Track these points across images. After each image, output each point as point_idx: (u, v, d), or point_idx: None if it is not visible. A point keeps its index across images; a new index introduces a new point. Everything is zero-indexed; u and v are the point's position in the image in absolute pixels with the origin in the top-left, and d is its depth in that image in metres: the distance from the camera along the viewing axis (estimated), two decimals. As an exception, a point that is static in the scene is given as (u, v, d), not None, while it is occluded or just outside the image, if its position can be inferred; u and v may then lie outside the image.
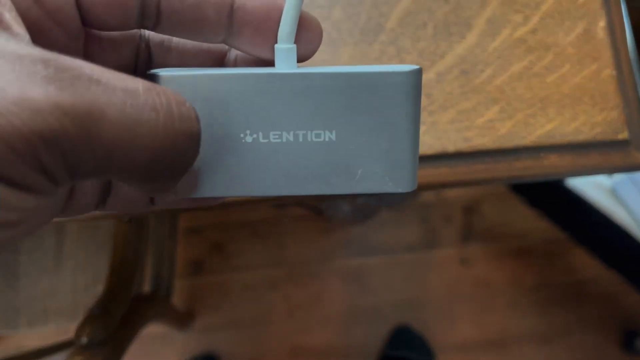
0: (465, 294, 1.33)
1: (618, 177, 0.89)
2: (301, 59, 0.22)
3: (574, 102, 0.38)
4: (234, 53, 0.23)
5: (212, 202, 0.24)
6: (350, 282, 1.31)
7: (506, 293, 1.34)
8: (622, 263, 1.08)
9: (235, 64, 0.23)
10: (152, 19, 0.19)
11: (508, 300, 1.34)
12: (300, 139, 0.21)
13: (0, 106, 0.12)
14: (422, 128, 0.37)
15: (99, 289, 0.74)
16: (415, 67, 0.21)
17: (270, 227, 1.33)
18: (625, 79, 0.39)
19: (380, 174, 0.22)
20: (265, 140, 0.21)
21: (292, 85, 0.20)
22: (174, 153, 0.15)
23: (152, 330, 1.04)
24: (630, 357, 1.30)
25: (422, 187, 0.38)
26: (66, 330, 0.74)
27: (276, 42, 0.21)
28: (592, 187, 0.94)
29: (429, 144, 0.37)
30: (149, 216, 0.84)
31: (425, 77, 0.38)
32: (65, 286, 0.76)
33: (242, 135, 0.21)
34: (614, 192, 0.90)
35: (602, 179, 0.94)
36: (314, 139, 0.21)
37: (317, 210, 1.30)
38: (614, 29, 0.40)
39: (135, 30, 0.22)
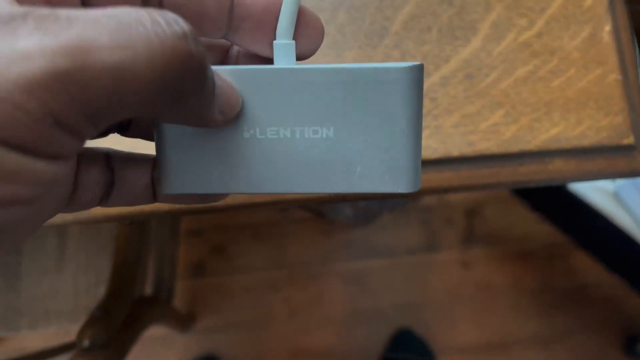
0: (466, 297, 1.33)
1: (621, 181, 0.89)
2: (303, 56, 0.22)
3: (579, 107, 0.38)
4: (236, 49, 0.23)
5: (211, 200, 0.24)
6: (351, 284, 1.31)
7: (508, 296, 1.34)
8: (624, 267, 1.08)
9: (238, 60, 0.23)
10: None
11: (509, 303, 1.34)
12: (298, 135, 0.21)
13: None
14: (426, 132, 0.37)
15: (101, 290, 0.74)
16: (416, 63, 0.20)
17: (272, 229, 1.33)
18: (631, 83, 0.39)
19: (379, 172, 0.21)
20: (262, 136, 0.21)
21: (289, 81, 0.20)
22: (178, 59, 0.14)
23: (154, 332, 1.04)
24: (632, 361, 1.29)
25: (425, 192, 0.37)
26: (67, 331, 0.74)
27: (275, 39, 0.21)
28: (595, 191, 0.93)
29: (433, 147, 0.37)
30: (150, 218, 0.84)
31: (429, 80, 0.38)
32: (66, 287, 0.76)
33: (239, 131, 0.21)
34: (616, 196, 0.90)
35: (605, 183, 0.93)
36: (312, 136, 0.21)
37: (318, 213, 1.30)
38: (619, 34, 0.39)
39: None
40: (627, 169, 0.38)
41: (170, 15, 0.15)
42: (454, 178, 0.37)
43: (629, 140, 0.38)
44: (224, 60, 0.23)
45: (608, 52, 0.39)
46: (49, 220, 0.16)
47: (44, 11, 0.13)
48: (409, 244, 1.36)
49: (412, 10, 0.38)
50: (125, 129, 0.23)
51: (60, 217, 0.36)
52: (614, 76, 0.39)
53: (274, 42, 0.20)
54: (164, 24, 0.14)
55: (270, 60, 0.22)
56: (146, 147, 0.24)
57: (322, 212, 1.26)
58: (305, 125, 0.21)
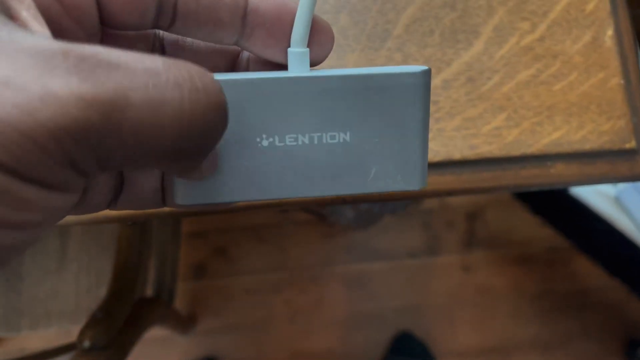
0: (467, 301, 1.33)
1: (622, 186, 0.89)
2: (314, 62, 0.22)
3: (581, 111, 0.38)
4: (246, 54, 0.23)
5: (223, 207, 0.24)
6: (352, 287, 1.31)
7: (508, 300, 1.34)
8: (625, 271, 1.08)
9: (248, 65, 0.23)
10: (168, 19, 0.20)
11: (510, 307, 1.33)
12: (316, 141, 0.21)
13: (25, 104, 0.12)
14: (429, 135, 0.37)
15: (102, 291, 0.75)
16: (425, 67, 0.21)
17: (273, 232, 1.33)
18: (633, 88, 0.39)
19: (393, 172, 0.22)
20: (281, 144, 0.21)
21: (306, 89, 0.20)
22: (203, 127, 0.15)
23: (154, 334, 1.04)
24: (633, 366, 1.29)
25: (427, 194, 0.38)
26: (68, 332, 0.74)
27: (288, 45, 0.21)
28: (596, 195, 0.93)
29: (435, 150, 0.37)
30: (152, 220, 0.84)
31: (431, 84, 0.38)
32: (68, 288, 0.76)
33: (258, 139, 0.21)
34: (617, 200, 0.90)
35: (606, 187, 0.93)
36: (329, 141, 0.21)
37: (320, 216, 1.30)
38: (621, 38, 0.40)
39: (149, 30, 0.22)
40: (629, 173, 0.38)
41: (210, 81, 0.15)
42: (456, 181, 0.37)
43: (631, 144, 0.38)
44: (234, 66, 0.24)
45: (610, 57, 0.39)
46: None
47: (86, 50, 0.13)
48: (410, 247, 1.36)
49: (414, 14, 0.39)
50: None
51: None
52: (616, 80, 0.39)
53: (289, 50, 0.21)
54: (202, 90, 0.15)
55: (281, 66, 0.22)
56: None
57: (323, 214, 1.26)
58: (323, 130, 0.21)
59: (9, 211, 0.13)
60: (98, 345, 0.57)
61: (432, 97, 0.38)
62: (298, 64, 0.21)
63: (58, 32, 0.17)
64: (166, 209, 0.35)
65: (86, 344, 0.57)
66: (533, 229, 1.38)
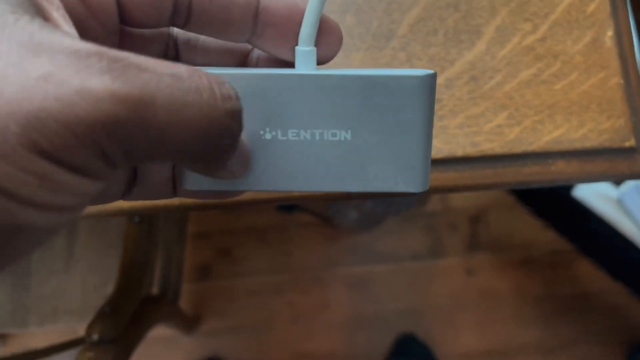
0: (469, 304, 1.33)
1: (624, 188, 0.90)
2: (321, 61, 0.23)
3: (582, 110, 0.39)
4: (256, 53, 0.24)
5: (229, 196, 0.25)
6: (355, 289, 1.31)
7: (511, 303, 1.34)
8: (628, 275, 1.08)
9: (257, 64, 0.24)
10: (183, 17, 0.21)
11: (513, 310, 1.34)
12: (317, 138, 0.22)
13: (65, 97, 0.13)
14: (432, 139, 0.38)
15: (108, 289, 0.75)
16: (430, 71, 0.22)
17: (277, 233, 1.34)
18: (633, 87, 0.40)
19: (392, 174, 0.23)
20: (284, 138, 0.22)
21: (310, 86, 0.21)
22: (219, 131, 0.16)
23: (158, 333, 1.05)
24: (636, 370, 1.29)
25: (430, 191, 0.38)
26: (73, 331, 0.75)
27: (297, 44, 0.22)
28: (598, 198, 0.94)
29: (437, 148, 0.38)
30: (158, 218, 0.85)
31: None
32: (75, 286, 0.77)
33: (261, 132, 0.22)
34: (620, 203, 0.91)
35: (609, 190, 0.94)
36: (330, 138, 0.22)
37: (323, 217, 1.31)
38: (621, 39, 0.40)
39: (164, 29, 0.23)
40: (628, 171, 0.39)
41: (227, 90, 0.17)
42: (458, 178, 0.38)
43: (630, 142, 0.39)
44: (244, 64, 0.24)
45: (610, 57, 0.40)
46: None
47: (118, 54, 0.14)
48: (413, 250, 1.36)
49: (419, 14, 0.39)
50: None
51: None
52: (616, 80, 0.39)
53: (297, 48, 0.21)
54: (219, 98, 0.16)
55: (290, 64, 0.23)
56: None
57: (327, 216, 1.27)
58: (325, 128, 0.22)
59: (48, 194, 0.14)
60: (106, 339, 0.58)
61: (436, 96, 0.38)
62: (305, 62, 0.22)
63: (81, 31, 0.18)
64: (175, 202, 0.36)
65: (95, 337, 0.58)
66: (536, 232, 1.38)
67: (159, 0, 0.20)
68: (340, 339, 1.28)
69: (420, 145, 0.22)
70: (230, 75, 0.21)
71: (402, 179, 0.23)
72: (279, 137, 0.22)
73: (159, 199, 0.24)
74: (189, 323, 1.19)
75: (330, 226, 1.33)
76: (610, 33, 0.40)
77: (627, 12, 0.41)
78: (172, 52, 0.23)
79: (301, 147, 0.22)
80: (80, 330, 0.67)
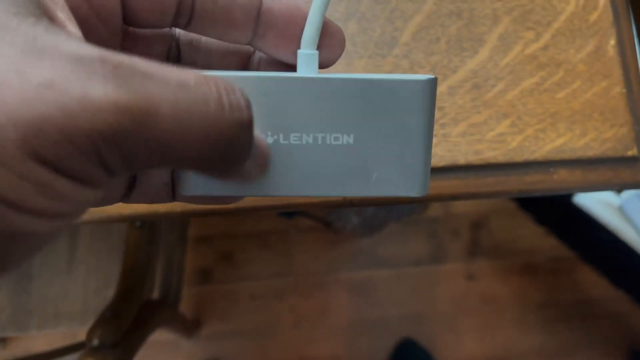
0: (471, 310, 1.33)
1: (626, 195, 0.89)
2: (323, 65, 0.23)
3: (584, 118, 0.39)
4: (257, 55, 0.24)
5: (229, 202, 0.25)
6: (357, 294, 1.31)
7: (512, 309, 1.34)
8: (629, 282, 1.08)
9: (259, 66, 0.24)
10: (186, 18, 0.21)
11: (514, 316, 1.33)
12: (320, 142, 0.22)
13: (65, 106, 0.13)
14: (434, 140, 0.38)
15: (110, 292, 0.75)
16: (431, 76, 0.22)
17: (279, 238, 1.34)
18: (635, 96, 0.40)
19: (394, 178, 0.23)
20: (286, 142, 0.22)
21: (313, 89, 0.21)
22: (225, 142, 0.16)
23: (159, 337, 1.05)
24: (637, 378, 1.29)
25: (432, 199, 0.38)
26: (73, 334, 0.75)
27: (299, 47, 0.22)
28: (600, 205, 0.94)
29: (440, 155, 0.38)
30: (160, 223, 0.85)
31: (437, 90, 0.38)
32: (76, 290, 0.77)
33: (263, 136, 0.21)
34: (621, 210, 0.90)
35: (610, 197, 0.94)
36: (333, 142, 0.22)
37: (325, 222, 1.31)
38: (624, 48, 0.40)
39: (167, 30, 0.23)
40: (631, 180, 0.39)
41: (237, 99, 0.16)
42: (460, 186, 0.38)
43: (633, 152, 0.39)
44: (245, 67, 0.24)
45: (613, 66, 0.40)
46: None
47: (123, 60, 0.14)
48: (415, 255, 1.36)
49: (421, 22, 0.40)
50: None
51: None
52: (619, 89, 0.39)
53: (299, 51, 0.21)
54: (227, 108, 0.16)
55: (292, 67, 0.23)
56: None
57: (328, 221, 1.27)
58: (328, 131, 0.22)
59: (47, 202, 0.14)
60: (106, 343, 0.58)
61: (438, 103, 0.38)
62: (306, 66, 0.22)
63: (84, 31, 0.18)
64: (176, 208, 0.36)
65: (95, 342, 0.57)
66: (537, 239, 1.38)
67: (163, 0, 0.20)
68: (342, 344, 1.27)
69: (420, 149, 0.22)
70: (231, 78, 0.21)
71: (404, 183, 0.23)
72: (281, 141, 0.22)
73: (158, 203, 0.24)
74: (189, 327, 1.19)
75: (331, 231, 1.33)
76: (612, 42, 0.40)
77: (630, 21, 0.41)
78: (174, 54, 0.23)
79: (303, 151, 0.22)
80: (81, 334, 0.67)
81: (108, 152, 0.14)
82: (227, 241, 1.33)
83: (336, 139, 0.22)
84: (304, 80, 0.21)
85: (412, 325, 1.30)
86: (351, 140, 0.22)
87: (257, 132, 0.21)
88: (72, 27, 0.16)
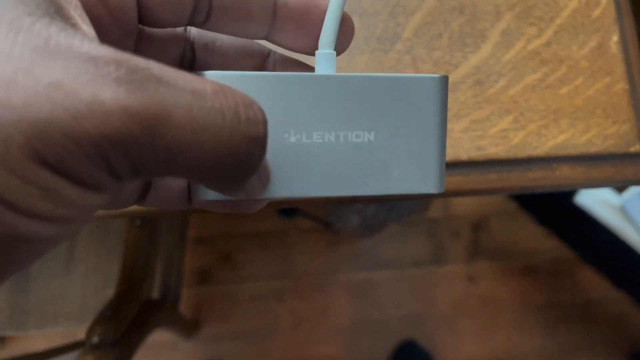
0: (471, 311, 1.33)
1: (627, 195, 0.89)
2: (338, 51, 0.23)
3: (587, 115, 0.39)
4: (273, 58, 0.24)
5: (246, 209, 0.24)
6: (357, 295, 1.31)
7: (513, 311, 1.34)
8: (631, 283, 1.08)
9: (274, 67, 0.24)
10: (204, 14, 0.20)
11: (515, 318, 1.33)
12: (342, 139, 0.22)
13: (74, 109, 0.12)
14: (446, 140, 0.38)
15: (109, 292, 0.75)
16: (443, 75, 0.22)
17: (279, 239, 1.34)
18: (638, 93, 0.40)
19: (414, 175, 0.23)
20: (309, 141, 0.21)
21: (333, 88, 0.21)
22: (238, 156, 0.15)
23: (158, 338, 1.04)
24: (638, 379, 1.28)
25: (433, 195, 0.38)
26: (72, 334, 0.75)
27: (316, 37, 0.22)
28: (601, 205, 0.94)
29: (442, 151, 0.37)
30: (159, 223, 0.84)
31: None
32: (75, 290, 0.77)
33: (286, 135, 0.21)
34: (623, 210, 0.90)
35: (611, 197, 0.93)
36: (355, 140, 0.22)
37: (324, 223, 1.31)
38: (627, 44, 0.40)
39: (181, 32, 0.23)
40: (633, 176, 0.39)
41: (255, 113, 0.16)
42: (463, 182, 0.38)
43: (636, 148, 0.39)
44: (261, 67, 0.24)
45: (615, 62, 0.40)
46: None
47: (139, 63, 0.14)
48: (415, 256, 1.36)
49: (423, 18, 0.39)
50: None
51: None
52: (621, 85, 0.39)
53: (317, 51, 0.22)
54: (244, 121, 0.15)
55: (307, 67, 0.23)
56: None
57: (328, 222, 1.27)
58: (349, 129, 0.22)
59: (52, 206, 0.13)
60: (106, 341, 0.58)
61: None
62: (325, 65, 0.22)
63: (98, 31, 0.18)
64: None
65: (95, 340, 0.57)
66: (538, 240, 1.37)
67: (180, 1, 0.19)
68: (342, 345, 1.27)
69: (437, 145, 0.23)
70: (253, 78, 0.21)
71: (422, 180, 0.23)
72: (304, 139, 0.21)
73: (173, 208, 0.24)
74: (189, 328, 1.19)
75: (331, 232, 1.33)
76: (615, 38, 0.40)
77: (633, 17, 0.41)
78: (188, 56, 0.23)
79: (326, 150, 0.22)
80: (80, 334, 0.66)
81: (115, 158, 0.13)
82: (227, 242, 1.33)
83: (357, 136, 0.22)
84: (325, 78, 0.21)
85: (412, 326, 1.29)
86: (372, 138, 0.22)
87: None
88: (86, 27, 0.16)
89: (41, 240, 0.14)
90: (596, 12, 0.40)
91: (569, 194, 0.99)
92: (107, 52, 0.13)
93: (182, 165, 0.15)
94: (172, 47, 0.23)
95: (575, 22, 0.40)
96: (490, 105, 0.38)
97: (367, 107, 0.22)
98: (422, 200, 1.27)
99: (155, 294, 0.88)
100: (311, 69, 0.23)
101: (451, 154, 0.37)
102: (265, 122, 0.16)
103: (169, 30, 0.22)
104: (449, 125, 0.38)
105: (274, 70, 0.24)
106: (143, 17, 0.20)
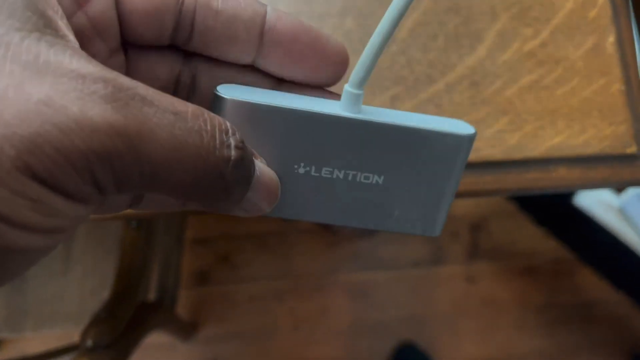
0: (471, 312, 1.32)
1: (626, 196, 0.89)
2: (326, 84, 0.23)
3: (583, 116, 0.38)
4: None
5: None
6: (356, 296, 1.31)
7: (512, 312, 1.33)
8: (630, 284, 1.08)
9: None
10: (186, 34, 0.20)
11: (514, 319, 1.33)
12: (350, 178, 0.22)
13: (63, 125, 0.13)
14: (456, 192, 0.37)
15: (106, 294, 0.75)
16: (472, 129, 0.22)
17: (277, 240, 1.33)
18: (634, 94, 0.39)
19: (414, 218, 0.23)
20: (317, 174, 0.22)
21: (353, 130, 0.21)
22: (214, 176, 0.16)
23: (156, 340, 1.04)
24: (638, 380, 1.28)
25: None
26: (69, 336, 0.74)
27: (304, 64, 0.21)
28: (600, 206, 0.93)
29: (437, 153, 0.37)
30: (156, 224, 0.84)
31: (435, 87, 0.38)
32: (72, 291, 0.77)
33: (295, 166, 0.22)
34: (622, 211, 0.90)
35: (610, 198, 0.93)
36: (363, 180, 0.22)
37: (323, 224, 1.30)
38: (623, 45, 0.40)
39: (173, 53, 0.22)
40: (630, 177, 0.39)
41: (228, 138, 0.17)
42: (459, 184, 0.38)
43: (632, 149, 0.38)
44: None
45: (612, 63, 0.39)
46: None
47: (125, 82, 0.15)
48: (414, 257, 1.36)
49: (418, 18, 0.39)
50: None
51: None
52: (618, 86, 0.39)
53: (345, 86, 0.21)
54: (218, 144, 0.16)
55: (295, 85, 0.23)
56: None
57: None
58: (359, 170, 0.22)
59: (41, 217, 0.14)
60: (101, 345, 0.57)
61: (435, 101, 0.38)
62: (351, 104, 0.21)
63: (81, 42, 0.18)
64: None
65: (89, 343, 0.57)
66: (537, 241, 1.37)
67: (160, 13, 0.19)
68: (341, 346, 1.27)
69: (446, 197, 0.23)
70: (271, 107, 0.20)
71: (422, 224, 0.23)
72: (312, 172, 0.22)
73: (168, 211, 0.24)
74: (186, 330, 1.19)
75: (330, 232, 1.33)
76: (611, 39, 0.40)
77: (629, 18, 0.41)
78: (180, 77, 0.23)
79: (332, 184, 0.22)
80: (76, 336, 0.66)
81: (101, 172, 0.14)
82: (225, 242, 1.33)
83: (366, 177, 0.22)
84: (349, 120, 0.21)
85: (411, 328, 1.29)
86: (381, 181, 0.22)
87: (264, 166, 0.20)
88: (72, 37, 0.16)
89: (31, 250, 0.15)
90: (592, 13, 0.40)
91: (568, 195, 0.99)
92: (94, 69, 0.14)
93: (165, 180, 0.15)
94: (163, 67, 0.22)
95: (571, 22, 0.40)
96: (486, 107, 0.38)
97: (383, 152, 0.21)
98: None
99: (152, 295, 0.88)
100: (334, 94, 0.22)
101: (446, 156, 0.37)
102: (241, 148, 0.17)
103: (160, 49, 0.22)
104: (444, 127, 0.38)
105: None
106: (125, 33, 0.20)
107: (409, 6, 0.19)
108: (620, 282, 1.10)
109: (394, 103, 0.38)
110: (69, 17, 0.17)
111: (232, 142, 0.17)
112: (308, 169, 0.22)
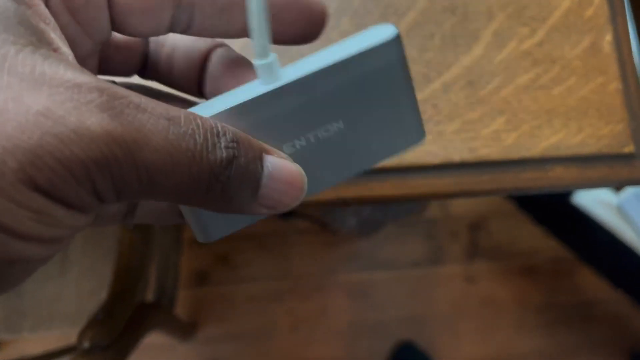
0: (470, 312, 1.32)
1: (624, 195, 0.89)
2: (305, 41, 0.22)
3: (580, 115, 0.38)
4: (216, 59, 0.23)
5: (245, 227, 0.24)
6: (355, 296, 1.31)
7: (512, 311, 1.33)
8: (629, 283, 1.08)
9: (218, 68, 0.23)
10: (183, 26, 0.20)
11: (514, 319, 1.33)
12: (313, 140, 0.21)
13: (62, 134, 0.13)
14: (428, 137, 0.37)
15: (103, 295, 0.75)
16: (392, 31, 0.20)
17: (276, 240, 1.33)
18: (632, 93, 0.39)
19: (393, 139, 0.23)
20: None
21: (281, 99, 0.20)
22: (209, 179, 0.16)
23: (154, 341, 1.04)
24: (638, 380, 1.28)
25: (426, 197, 0.38)
26: (67, 337, 0.74)
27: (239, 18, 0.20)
28: (598, 205, 0.93)
29: (434, 153, 0.37)
30: (154, 225, 0.84)
31: (431, 87, 0.38)
32: (70, 292, 0.77)
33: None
34: (620, 210, 0.90)
35: (608, 197, 0.93)
36: (324, 134, 0.21)
37: (322, 224, 1.30)
38: (620, 44, 0.40)
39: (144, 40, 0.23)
40: (627, 177, 0.38)
41: (222, 141, 0.17)
42: (455, 184, 0.38)
43: (629, 148, 0.38)
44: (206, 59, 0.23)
45: (609, 62, 0.39)
46: None
47: (118, 91, 0.15)
48: (413, 257, 1.35)
49: (415, 18, 0.39)
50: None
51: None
52: (615, 85, 0.39)
53: (254, 62, 0.19)
54: (210, 146, 0.16)
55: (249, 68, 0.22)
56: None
57: (325, 223, 1.26)
58: (315, 129, 0.21)
59: (43, 228, 0.14)
60: (98, 346, 0.57)
61: (432, 101, 0.38)
62: (267, 75, 0.20)
63: (72, 47, 0.18)
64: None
65: (86, 345, 0.57)
66: (537, 240, 1.37)
67: (157, 11, 0.19)
68: (340, 347, 1.27)
69: (409, 101, 0.22)
70: (218, 116, 0.19)
71: (404, 138, 0.23)
72: None
73: (164, 224, 0.24)
74: (184, 330, 1.18)
75: (329, 233, 1.33)
76: (608, 38, 0.40)
77: (626, 16, 0.41)
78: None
79: (302, 155, 0.21)
80: (74, 337, 0.66)
81: (101, 180, 0.14)
82: (224, 243, 1.32)
83: (326, 130, 0.21)
84: (270, 94, 0.20)
85: (411, 328, 1.29)
86: (341, 125, 0.21)
87: (281, 161, 0.19)
88: (66, 48, 0.17)
89: (33, 260, 0.15)
90: (589, 12, 0.40)
91: (566, 194, 0.98)
92: (88, 79, 0.14)
93: (162, 185, 0.16)
94: (135, 53, 0.23)
95: (568, 22, 0.40)
96: (482, 107, 0.38)
97: (325, 100, 0.20)
98: (419, 202, 1.26)
99: (151, 296, 0.88)
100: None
101: (443, 156, 0.37)
102: (232, 148, 0.17)
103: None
104: (441, 127, 0.37)
105: (218, 71, 0.23)
106: (117, 28, 0.19)
107: None
108: (618, 280, 1.10)
109: (390, 103, 0.37)
110: (63, 26, 0.17)
111: (222, 142, 0.17)
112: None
